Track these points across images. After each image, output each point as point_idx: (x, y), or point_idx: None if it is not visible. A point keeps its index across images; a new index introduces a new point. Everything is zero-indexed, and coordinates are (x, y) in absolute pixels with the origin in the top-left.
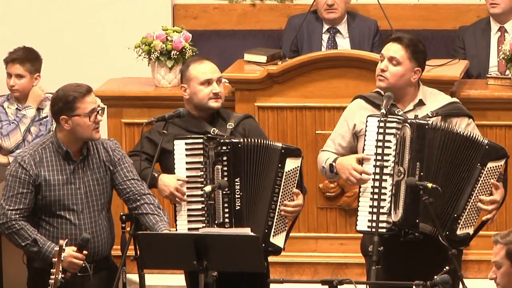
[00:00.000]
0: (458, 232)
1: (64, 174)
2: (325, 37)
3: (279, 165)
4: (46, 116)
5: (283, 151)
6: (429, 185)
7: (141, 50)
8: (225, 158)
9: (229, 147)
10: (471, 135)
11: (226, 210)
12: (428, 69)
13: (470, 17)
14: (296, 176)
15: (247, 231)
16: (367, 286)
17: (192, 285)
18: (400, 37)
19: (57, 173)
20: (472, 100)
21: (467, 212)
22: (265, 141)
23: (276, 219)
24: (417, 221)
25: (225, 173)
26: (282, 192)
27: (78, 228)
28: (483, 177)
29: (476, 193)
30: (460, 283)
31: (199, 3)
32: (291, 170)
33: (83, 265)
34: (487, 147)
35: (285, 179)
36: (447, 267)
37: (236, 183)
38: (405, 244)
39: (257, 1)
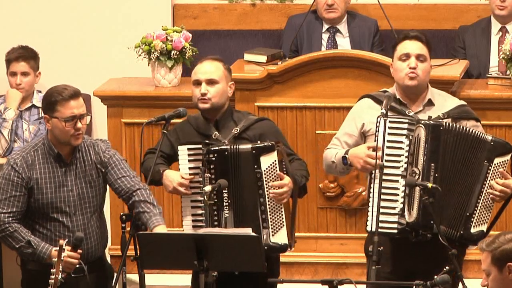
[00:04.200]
0: (472, 230)
1: (56, 177)
2: (325, 36)
3: (255, 166)
4: None
5: (254, 151)
6: (429, 185)
7: (141, 50)
8: (212, 166)
9: (215, 155)
10: (477, 133)
11: (215, 218)
12: None
13: (470, 17)
14: (276, 170)
15: (248, 231)
16: (367, 286)
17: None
18: (417, 35)
19: (49, 175)
20: (472, 100)
21: (479, 210)
22: (235, 146)
23: (270, 218)
24: (432, 222)
25: (213, 182)
26: (267, 191)
27: (71, 230)
28: (491, 173)
29: (486, 190)
30: (460, 283)
31: (199, 3)
32: (268, 167)
33: (79, 265)
34: (492, 143)
35: (265, 177)
36: (447, 267)
37: (224, 191)
38: (409, 244)
39: (257, 1)
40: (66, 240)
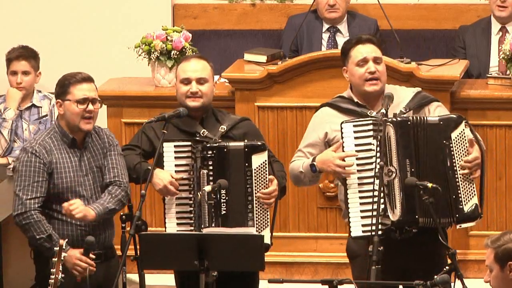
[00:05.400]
0: (465, 208)
1: (72, 161)
2: (325, 36)
3: (246, 164)
4: (46, 115)
5: (246, 149)
6: (429, 185)
7: (141, 50)
8: (210, 162)
9: (214, 151)
10: (426, 121)
11: (213, 215)
12: (428, 69)
13: (470, 17)
14: (265, 170)
15: (251, 230)
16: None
17: (182, 286)
18: (369, 38)
19: (66, 160)
20: (472, 100)
21: (462, 186)
22: (228, 143)
23: (256, 217)
24: (417, 216)
25: (211, 178)
26: (255, 190)
27: None
28: (455, 149)
29: (458, 166)
30: (461, 282)
31: (199, 3)
32: (259, 166)
33: (92, 268)
34: (441, 122)
35: (255, 176)
36: (447, 267)
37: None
38: (401, 243)
39: (257, 1)
40: (67, 240)
